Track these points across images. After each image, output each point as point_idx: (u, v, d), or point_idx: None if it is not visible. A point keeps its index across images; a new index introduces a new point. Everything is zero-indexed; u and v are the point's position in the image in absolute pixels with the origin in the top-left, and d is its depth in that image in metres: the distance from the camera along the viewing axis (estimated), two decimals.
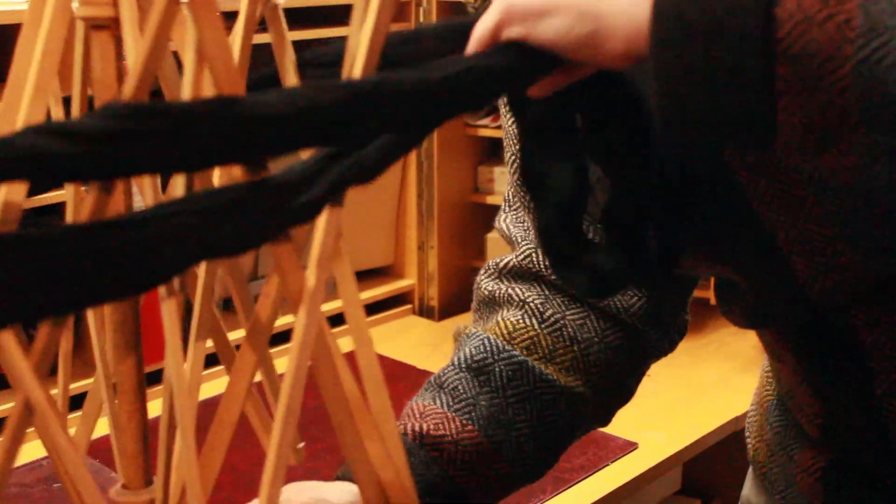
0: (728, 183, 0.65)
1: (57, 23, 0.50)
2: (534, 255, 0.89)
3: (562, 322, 0.87)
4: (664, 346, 0.92)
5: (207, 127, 0.40)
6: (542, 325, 0.86)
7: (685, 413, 1.72)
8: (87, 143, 0.38)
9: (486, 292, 0.91)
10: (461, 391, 0.84)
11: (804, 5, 0.52)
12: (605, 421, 0.92)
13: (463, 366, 0.85)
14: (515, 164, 0.85)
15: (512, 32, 0.58)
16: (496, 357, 0.85)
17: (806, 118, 0.53)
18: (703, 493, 1.98)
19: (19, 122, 0.50)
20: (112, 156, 0.39)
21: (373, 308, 2.11)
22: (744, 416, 1.81)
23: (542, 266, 0.88)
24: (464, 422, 0.82)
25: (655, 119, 0.57)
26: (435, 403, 0.84)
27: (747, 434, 0.98)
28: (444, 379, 0.86)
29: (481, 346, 0.86)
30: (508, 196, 0.92)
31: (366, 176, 0.48)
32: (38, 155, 0.37)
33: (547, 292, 0.88)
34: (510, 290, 0.89)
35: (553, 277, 0.87)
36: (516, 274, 0.89)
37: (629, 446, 1.59)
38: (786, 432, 0.89)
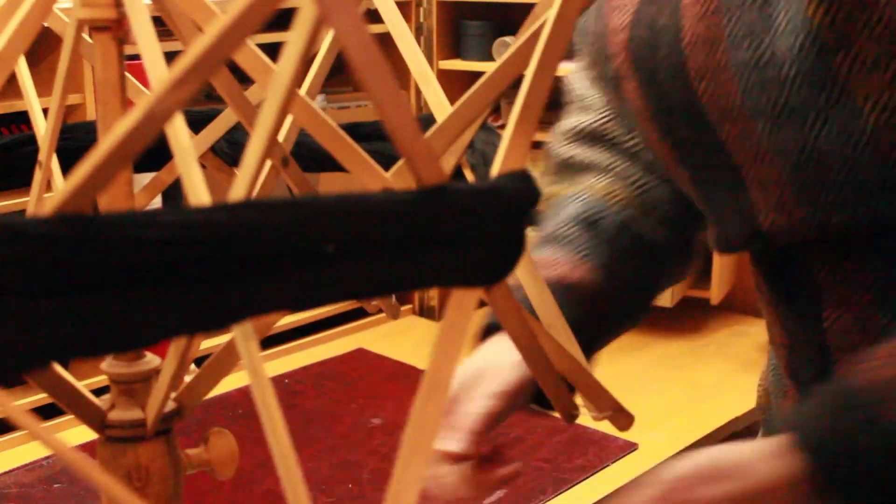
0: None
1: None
2: (612, 122, 0.93)
3: (646, 186, 0.92)
4: None
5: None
6: (630, 189, 0.92)
7: (685, 414, 1.72)
8: None
9: (567, 156, 0.95)
10: (581, 241, 0.90)
11: None
12: (682, 276, 0.98)
13: (573, 222, 0.91)
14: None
15: None
16: (602, 214, 0.91)
17: None
18: None
19: None
20: None
21: None
22: (744, 416, 1.81)
23: (619, 132, 0.93)
24: (592, 267, 0.88)
25: None
26: (558, 254, 0.89)
27: (759, 383, 1.02)
28: (557, 233, 0.91)
29: (585, 205, 0.92)
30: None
31: None
32: None
33: (627, 160, 0.93)
34: (592, 156, 0.94)
35: (629, 144, 0.92)
36: (593, 138, 0.94)
37: (629, 447, 1.59)
38: (774, 378, 0.94)
